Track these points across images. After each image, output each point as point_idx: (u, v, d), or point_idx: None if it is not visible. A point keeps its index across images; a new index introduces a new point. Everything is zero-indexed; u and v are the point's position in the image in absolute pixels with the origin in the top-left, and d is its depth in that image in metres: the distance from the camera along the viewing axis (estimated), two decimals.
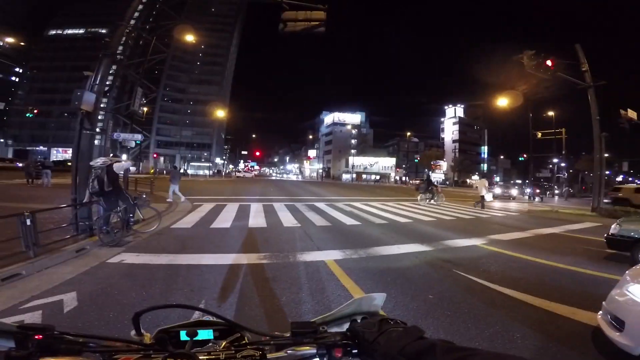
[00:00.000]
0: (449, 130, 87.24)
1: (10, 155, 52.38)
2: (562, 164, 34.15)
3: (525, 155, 37.09)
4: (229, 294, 3.64)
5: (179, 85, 72.94)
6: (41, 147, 60.26)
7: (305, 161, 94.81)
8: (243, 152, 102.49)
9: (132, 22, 7.69)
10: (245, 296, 3.61)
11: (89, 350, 0.57)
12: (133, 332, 0.66)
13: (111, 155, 7.35)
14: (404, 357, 0.50)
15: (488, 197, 15.92)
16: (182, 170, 59.17)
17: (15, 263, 4.04)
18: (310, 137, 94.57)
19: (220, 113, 50.31)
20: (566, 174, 35.58)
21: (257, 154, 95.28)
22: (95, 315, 2.93)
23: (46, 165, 17.57)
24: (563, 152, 30.16)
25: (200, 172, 59.56)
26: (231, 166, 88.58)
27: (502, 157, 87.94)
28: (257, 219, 9.19)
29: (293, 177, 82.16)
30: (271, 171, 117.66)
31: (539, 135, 27.31)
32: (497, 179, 70.37)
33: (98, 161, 5.85)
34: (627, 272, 2.85)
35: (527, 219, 11.95)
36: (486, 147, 79.75)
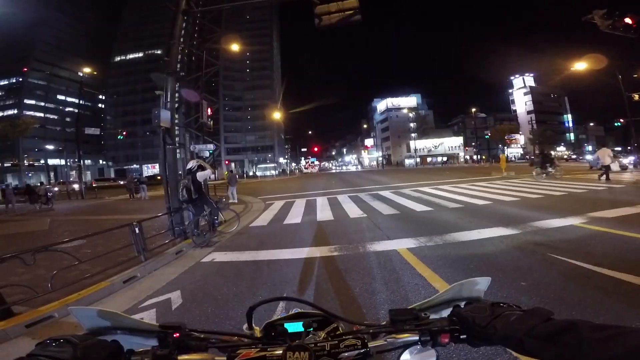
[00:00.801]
0: (521, 102, 78.44)
1: (112, 175, 61.89)
2: None
3: (622, 120, 31.05)
4: (306, 287, 3.81)
5: (235, 94, 77.32)
6: (134, 165, 69.43)
7: (363, 151, 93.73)
8: (303, 150, 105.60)
9: (182, 39, 8.15)
10: (321, 288, 3.73)
11: (213, 346, 0.63)
12: (245, 326, 0.71)
13: (197, 158, 8.18)
14: (532, 338, 0.47)
15: (614, 166, 14.37)
16: (251, 173, 64.01)
17: (132, 267, 4.80)
18: (365, 126, 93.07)
19: (276, 115, 52.49)
20: None
21: (316, 149, 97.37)
22: (197, 311, 3.32)
23: (141, 181, 20.48)
24: None
25: (267, 173, 63.23)
26: (293, 164, 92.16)
27: (592, 124, 75.43)
28: (324, 212, 9.41)
29: (352, 168, 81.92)
30: (330, 165, 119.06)
31: (636, 97, 22.92)
32: (589, 148, 60.60)
33: (191, 163, 6.70)
34: None
35: (634, 191, 10.05)
36: (569, 115, 69.18)
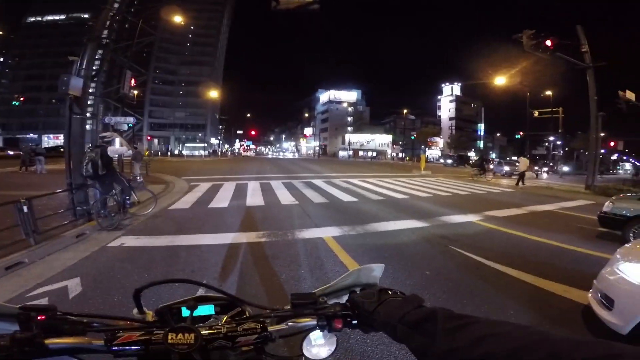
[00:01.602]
0: (446, 108, 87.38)
1: (0, 144, 51.53)
2: (559, 142, 34.33)
3: (522, 133, 37.48)
4: (230, 274, 3.71)
5: (169, 67, 71.23)
6: (31, 135, 59.23)
7: (301, 139, 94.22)
8: (238, 132, 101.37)
9: (116, 5, 7.33)
10: (246, 275, 3.68)
11: (93, 330, 0.58)
12: (135, 311, 0.66)
13: (109, 132, 7.33)
14: (404, 325, 0.49)
15: (529, 174, 17.54)
16: (176, 152, 59.28)
17: (17, 251, 4.06)
18: (306, 115, 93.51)
19: (213, 93, 49.47)
20: (562, 152, 35.80)
21: (253, 133, 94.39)
22: (100, 300, 2.99)
23: (38, 152, 17.24)
24: (560, 131, 30.34)
25: (196, 153, 59.19)
26: (227, 146, 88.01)
27: (498, 134, 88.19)
28: (254, 197, 9.22)
29: (289, 155, 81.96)
30: (267, 150, 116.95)
31: (536, 113, 27.60)
32: (493, 155, 70.77)
33: (106, 134, 6.15)
34: (617, 250, 2.85)
35: (522, 196, 12.08)
36: (483, 125, 79.67)
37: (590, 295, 2.80)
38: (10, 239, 4.25)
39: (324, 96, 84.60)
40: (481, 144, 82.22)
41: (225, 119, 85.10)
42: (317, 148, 75.43)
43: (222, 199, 8.81)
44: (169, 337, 0.54)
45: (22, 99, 37.37)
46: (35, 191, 6.29)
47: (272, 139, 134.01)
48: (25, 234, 4.38)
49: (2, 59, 64.62)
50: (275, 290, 3.28)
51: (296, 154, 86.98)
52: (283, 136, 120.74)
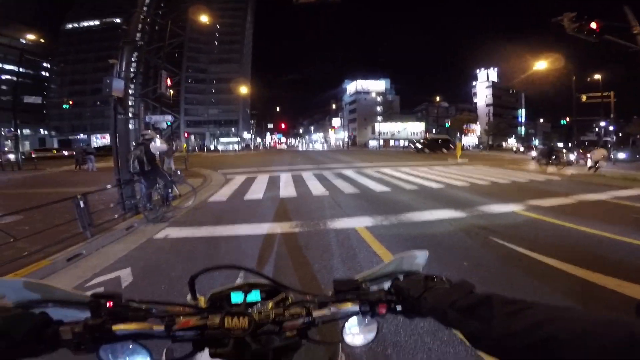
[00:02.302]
0: (482, 94, 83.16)
1: (55, 146, 56.60)
2: (611, 127, 31.35)
3: (568, 119, 34.73)
4: (265, 263, 3.83)
5: (200, 66, 73.58)
6: (81, 135, 64.48)
7: (330, 130, 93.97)
8: (269, 125, 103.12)
9: (145, 8, 7.69)
10: (281, 265, 3.78)
11: (153, 316, 0.61)
12: (189, 297, 0.69)
13: (150, 130, 7.86)
14: (455, 310, 0.49)
15: (602, 164, 16.41)
16: (212, 147, 61.76)
17: (76, 244, 4.48)
18: (334, 106, 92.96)
19: (243, 89, 50.54)
20: (614, 138, 32.58)
21: (283, 126, 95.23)
22: (149, 289, 3.21)
23: (89, 151, 18.81)
24: (612, 116, 27.88)
25: (230, 147, 61.30)
26: (258, 140, 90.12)
27: (541, 120, 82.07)
28: (287, 189, 9.39)
29: (319, 147, 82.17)
30: (297, 142, 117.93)
31: (584, 98, 25.51)
32: (536, 142, 66.21)
33: (147, 132, 6.50)
34: None
35: (569, 184, 11.20)
36: (523, 111, 74.66)
37: None
38: (70, 232, 4.69)
39: (351, 86, 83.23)
40: (522, 130, 77.18)
41: (256, 113, 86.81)
42: (346, 139, 74.89)
43: (257, 191, 9.06)
44: (226, 320, 0.57)
45: (71, 102, 40.72)
46: (88, 187, 6.87)
47: (301, 131, 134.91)
48: (82, 227, 4.80)
49: (48, 65, 69.50)
50: (308, 280, 3.33)
51: (325, 146, 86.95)
52: (312, 128, 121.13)
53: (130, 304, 0.60)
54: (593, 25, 11.81)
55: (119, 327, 0.56)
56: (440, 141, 38.91)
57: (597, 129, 35.29)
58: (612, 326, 0.35)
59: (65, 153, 33.60)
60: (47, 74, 70.29)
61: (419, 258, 0.70)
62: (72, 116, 65.01)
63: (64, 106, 46.78)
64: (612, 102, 26.21)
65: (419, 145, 39.45)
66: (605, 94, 25.99)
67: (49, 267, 3.78)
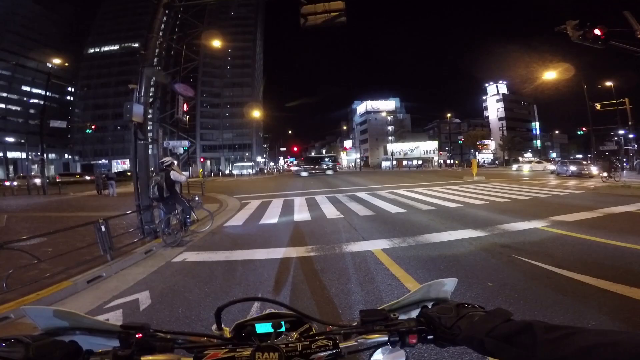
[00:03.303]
0: (493, 108, 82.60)
1: (78, 170, 58.83)
2: (630, 135, 30.40)
3: (584, 129, 34.00)
4: (282, 287, 3.78)
5: (214, 90, 75.94)
6: (103, 160, 66.61)
7: (341, 152, 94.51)
8: (281, 149, 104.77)
9: (160, 33, 7.96)
10: (297, 289, 3.72)
11: (180, 347, 0.62)
12: (214, 327, 0.69)
13: (168, 157, 8.03)
14: (493, 339, 0.48)
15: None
16: (227, 171, 62.71)
17: (97, 266, 4.56)
18: (344, 127, 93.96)
19: (256, 113, 51.95)
20: (636, 146, 31.44)
21: (295, 149, 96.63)
22: (167, 312, 3.21)
23: (110, 177, 19.49)
24: (630, 123, 27.06)
25: (245, 172, 62.30)
26: (272, 163, 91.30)
27: (557, 132, 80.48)
28: (301, 212, 9.38)
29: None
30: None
31: (598, 106, 25.03)
32: (554, 155, 64.43)
33: (165, 160, 6.62)
34: None
35: (593, 197, 10.77)
36: (537, 123, 73.40)
37: None
38: (91, 254, 4.80)
39: (361, 107, 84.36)
40: (538, 143, 75.59)
41: (269, 137, 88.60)
42: (358, 160, 74.94)
43: (272, 215, 9.10)
44: (256, 355, 0.56)
45: (93, 127, 42.41)
46: (108, 212, 7.07)
47: (313, 154, 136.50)
48: (103, 251, 4.89)
49: (72, 90, 71.99)
50: (325, 304, 3.25)
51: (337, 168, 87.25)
52: (323, 151, 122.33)
53: (157, 334, 0.60)
54: (597, 31, 11.73)
55: (147, 359, 0.57)
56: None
57: (616, 138, 34.31)
58: None
59: (88, 178, 34.86)
60: (71, 98, 72.79)
61: (448, 285, 0.69)
62: (94, 140, 67.00)
63: (87, 131, 49.03)
64: (628, 109, 25.58)
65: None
66: (619, 101, 25.59)
67: (70, 288, 3.85)
